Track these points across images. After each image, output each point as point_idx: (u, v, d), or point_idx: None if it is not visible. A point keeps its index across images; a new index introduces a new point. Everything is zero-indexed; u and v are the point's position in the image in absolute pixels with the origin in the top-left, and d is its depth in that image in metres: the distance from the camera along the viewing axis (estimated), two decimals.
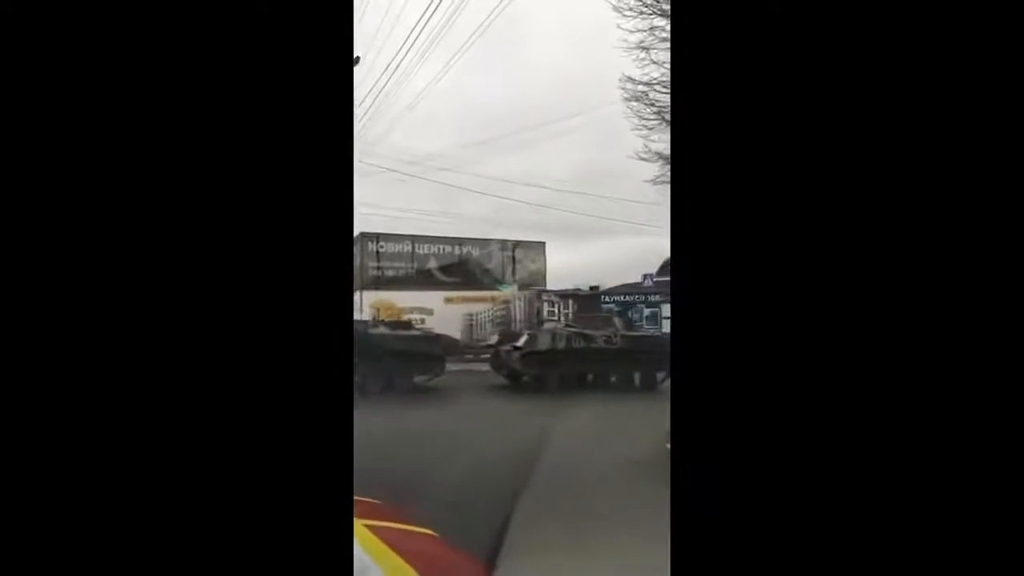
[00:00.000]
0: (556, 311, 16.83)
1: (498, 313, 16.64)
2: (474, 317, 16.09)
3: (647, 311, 17.15)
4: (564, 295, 16.91)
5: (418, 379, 9.90)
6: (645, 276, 19.27)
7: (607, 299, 17.48)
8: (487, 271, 17.38)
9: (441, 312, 15.45)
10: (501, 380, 10.78)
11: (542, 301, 16.78)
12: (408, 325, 11.64)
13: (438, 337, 11.71)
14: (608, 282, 18.15)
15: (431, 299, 15.94)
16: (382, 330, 10.43)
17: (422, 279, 16.50)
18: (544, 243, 18.54)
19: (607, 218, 25.97)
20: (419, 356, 10.11)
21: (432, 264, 17.08)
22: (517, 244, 18.17)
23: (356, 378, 9.41)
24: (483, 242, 17.59)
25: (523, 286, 17.51)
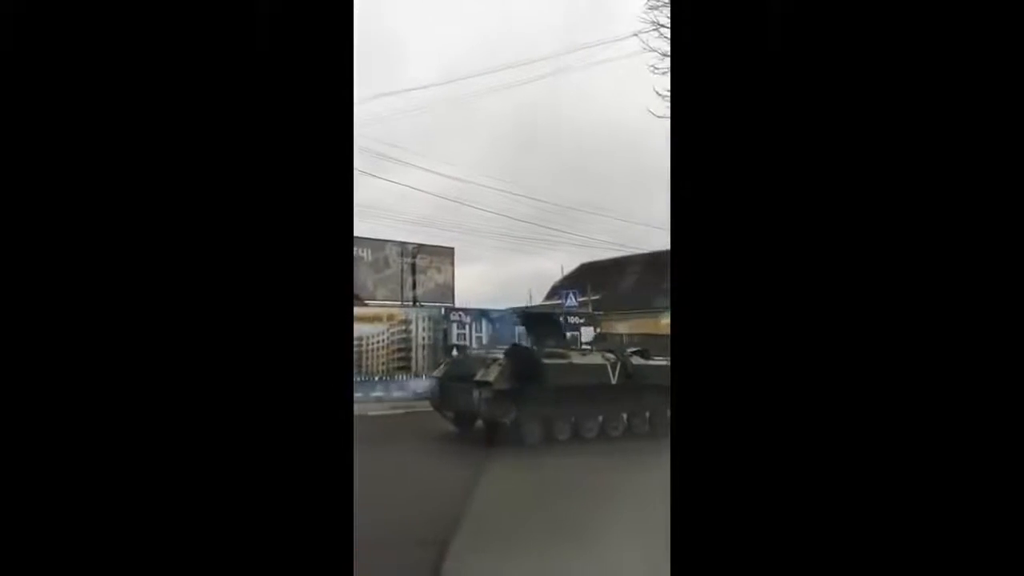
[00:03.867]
0: (467, 334, 13.64)
1: (396, 336, 12.93)
2: (364, 342, 12.10)
3: (568, 335, 14.40)
4: (475, 314, 13.75)
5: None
6: (566, 294, 16.99)
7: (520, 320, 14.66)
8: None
9: None
10: None
11: (450, 322, 13.45)
12: (647, 353, 9.24)
13: None
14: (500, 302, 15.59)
15: None
16: (637, 360, 8.53)
17: None
18: (453, 249, 15.05)
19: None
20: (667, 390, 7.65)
21: None
22: (420, 248, 14.49)
23: (623, 417, 8.13)
24: (376, 244, 13.69)
25: (427, 302, 13.93)
